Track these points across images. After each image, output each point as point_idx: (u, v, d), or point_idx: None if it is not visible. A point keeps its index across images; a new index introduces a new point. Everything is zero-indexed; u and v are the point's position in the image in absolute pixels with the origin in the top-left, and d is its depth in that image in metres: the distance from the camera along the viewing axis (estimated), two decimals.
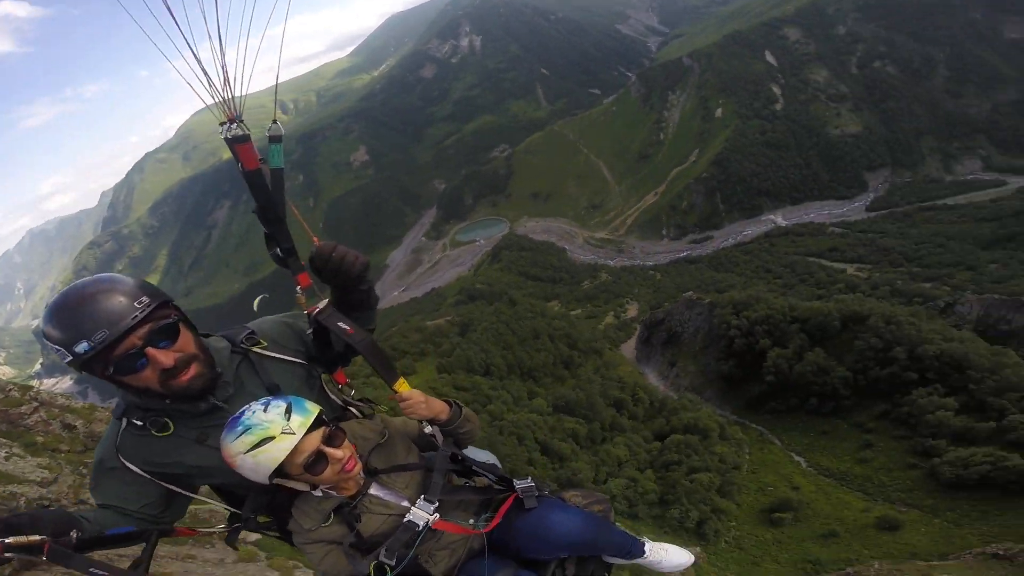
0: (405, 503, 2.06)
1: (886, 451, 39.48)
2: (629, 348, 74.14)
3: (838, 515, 35.84)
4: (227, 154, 1.87)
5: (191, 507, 2.45)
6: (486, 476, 2.35)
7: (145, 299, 1.75)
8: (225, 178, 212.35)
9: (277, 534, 2.30)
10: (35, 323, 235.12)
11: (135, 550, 1.96)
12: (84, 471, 6.47)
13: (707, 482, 38.33)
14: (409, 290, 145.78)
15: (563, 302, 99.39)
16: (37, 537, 1.50)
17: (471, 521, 2.20)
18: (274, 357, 2.17)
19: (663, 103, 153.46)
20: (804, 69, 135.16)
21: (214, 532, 2.34)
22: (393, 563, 1.94)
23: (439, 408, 2.20)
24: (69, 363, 1.70)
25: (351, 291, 2.17)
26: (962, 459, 34.29)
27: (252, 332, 2.18)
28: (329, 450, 1.87)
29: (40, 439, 7.01)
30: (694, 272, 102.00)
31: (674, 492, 37.97)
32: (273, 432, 1.75)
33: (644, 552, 2.56)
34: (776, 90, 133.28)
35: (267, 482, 1.83)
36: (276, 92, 2.11)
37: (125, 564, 1.94)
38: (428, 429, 2.24)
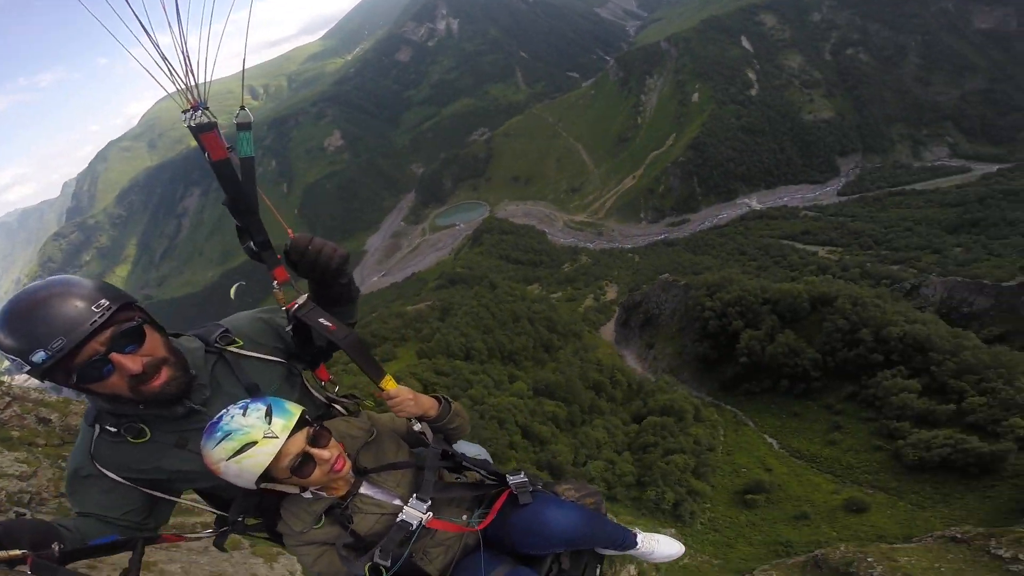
0: (398, 502, 2.03)
1: (854, 433, 40.01)
2: (609, 330, 74.48)
3: (808, 497, 36.35)
4: (195, 142, 1.75)
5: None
6: (478, 472, 2.32)
7: (104, 302, 1.63)
8: (194, 166, 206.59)
9: (266, 536, 2.21)
10: None
11: (117, 557, 1.86)
12: (63, 464, 6.39)
13: (682, 464, 38.63)
14: (389, 275, 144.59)
15: (544, 285, 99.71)
16: (18, 552, 1.42)
17: (464, 518, 2.18)
18: (252, 356, 2.06)
19: (641, 87, 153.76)
20: (779, 55, 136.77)
21: (201, 537, 2.21)
22: (388, 564, 1.90)
23: (428, 404, 2.16)
24: (29, 372, 1.58)
25: (330, 285, 2.04)
26: (924, 441, 34.63)
27: (226, 330, 2.07)
28: (315, 451, 1.82)
29: (16, 434, 6.90)
30: (672, 254, 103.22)
31: (650, 474, 38.23)
32: (255, 437, 1.69)
33: (636, 543, 2.60)
34: (752, 75, 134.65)
35: (254, 487, 1.78)
36: (243, 77, 1.96)
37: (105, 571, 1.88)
38: (417, 427, 2.20)
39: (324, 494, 1.94)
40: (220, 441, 1.69)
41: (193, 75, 1.63)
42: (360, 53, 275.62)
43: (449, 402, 2.25)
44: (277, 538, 2.09)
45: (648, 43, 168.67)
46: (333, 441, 1.91)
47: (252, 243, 1.93)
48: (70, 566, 1.58)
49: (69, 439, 7.29)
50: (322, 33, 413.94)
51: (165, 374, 1.76)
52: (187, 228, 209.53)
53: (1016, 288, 47.28)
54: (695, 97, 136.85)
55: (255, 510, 2.06)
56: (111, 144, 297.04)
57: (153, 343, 1.76)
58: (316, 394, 2.36)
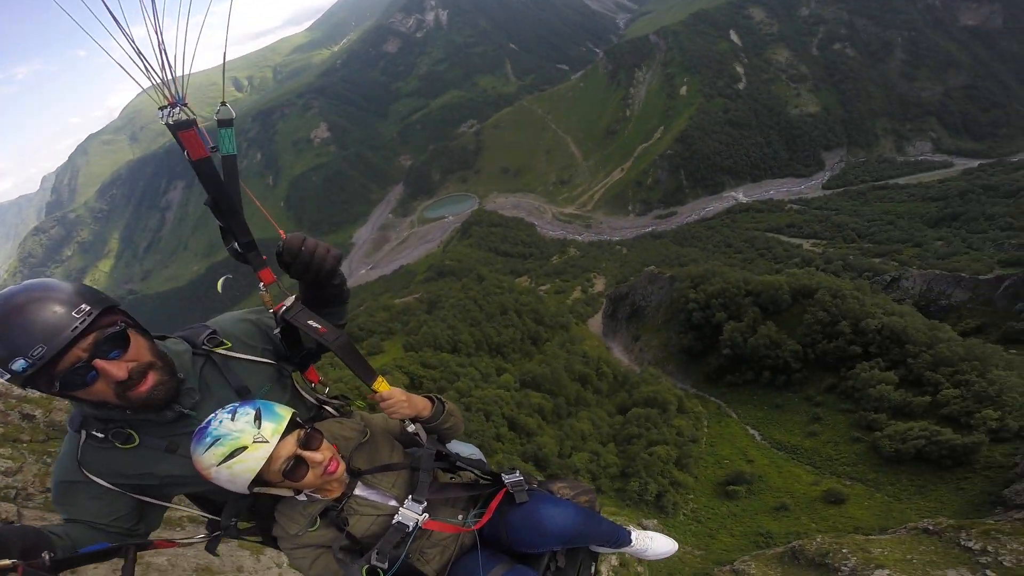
0: (393, 503, 2.01)
1: (833, 425, 40.10)
2: (596, 322, 74.65)
3: (789, 488, 36.46)
4: None
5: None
6: (473, 472, 2.32)
7: (85, 307, 1.57)
8: (177, 159, 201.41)
9: (260, 539, 2.18)
10: None
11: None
12: (48, 460, 6.43)
13: (665, 455, 38.76)
14: (377, 268, 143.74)
15: (533, 277, 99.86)
16: (8, 561, 1.40)
17: (460, 518, 2.19)
18: (241, 358, 2.02)
19: (630, 80, 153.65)
20: (767, 49, 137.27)
21: (194, 543, 2.19)
22: (385, 566, 1.89)
23: (421, 405, 2.13)
24: (9, 380, 1.54)
25: (323, 287, 2.00)
26: (900, 433, 34.57)
27: (214, 332, 2.01)
28: (307, 454, 1.80)
29: (0, 430, 6.95)
30: (659, 247, 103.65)
31: (634, 465, 38.41)
32: (245, 441, 1.67)
33: (631, 540, 2.63)
34: (739, 69, 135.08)
35: (247, 491, 1.75)
36: (224, 71, 1.88)
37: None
38: (411, 428, 2.16)
39: (318, 496, 1.93)
40: (210, 447, 1.67)
41: (170, 69, 1.56)
42: (347, 45, 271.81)
43: (443, 402, 2.24)
44: (272, 542, 2.07)
45: (637, 36, 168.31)
46: (325, 443, 1.89)
47: (236, 244, 1.88)
48: (61, 575, 1.56)
49: (54, 435, 7.30)
50: (308, 24, 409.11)
51: (152, 379, 1.71)
52: (171, 222, 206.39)
53: (993, 281, 48.03)
54: (683, 90, 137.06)
55: (249, 514, 2.07)
56: (91, 137, 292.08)
57: (138, 348, 1.71)
58: (306, 396, 2.33)
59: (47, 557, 1.51)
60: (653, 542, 2.73)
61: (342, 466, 1.92)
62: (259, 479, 1.72)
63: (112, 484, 1.81)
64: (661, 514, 34.98)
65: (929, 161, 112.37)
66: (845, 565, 9.35)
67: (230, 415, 1.72)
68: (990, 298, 47.23)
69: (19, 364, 1.46)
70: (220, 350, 1.98)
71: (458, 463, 2.24)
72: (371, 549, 1.92)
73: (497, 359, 55.54)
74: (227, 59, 1.94)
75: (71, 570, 1.75)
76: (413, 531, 1.97)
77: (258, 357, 2.06)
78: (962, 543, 8.86)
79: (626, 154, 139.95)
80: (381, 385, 2.05)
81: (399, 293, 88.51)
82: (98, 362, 1.59)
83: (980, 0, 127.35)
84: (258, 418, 1.72)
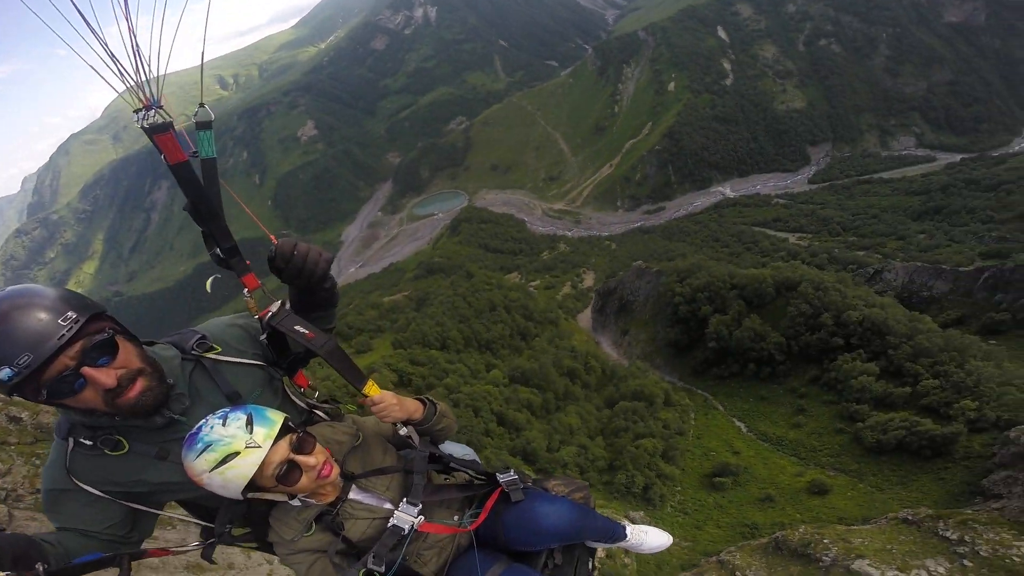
0: (388, 506, 2.00)
1: (817, 416, 40.49)
2: (586, 317, 74.93)
3: (774, 479, 36.82)
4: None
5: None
6: (467, 473, 2.31)
7: (71, 314, 1.53)
8: (161, 160, 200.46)
9: (256, 545, 2.15)
10: None
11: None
12: (37, 462, 6.46)
13: (651, 448, 39.03)
14: (366, 266, 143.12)
15: (523, 273, 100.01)
16: (2, 573, 1.38)
17: (456, 518, 2.17)
18: (231, 362, 1.99)
19: (618, 76, 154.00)
20: (754, 45, 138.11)
21: (189, 551, 2.15)
22: (382, 569, 1.88)
23: (413, 408, 2.12)
24: None
25: (314, 291, 1.98)
26: (881, 424, 35.03)
27: (203, 337, 1.97)
28: (300, 458, 1.78)
29: None
30: (647, 241, 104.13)
31: (621, 458, 38.61)
32: (236, 447, 1.64)
33: (626, 535, 2.64)
34: (727, 65, 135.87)
35: (241, 497, 1.73)
36: (202, 71, 1.86)
37: None
38: (403, 431, 2.13)
39: (313, 501, 1.91)
40: (201, 453, 1.64)
41: (145, 71, 1.49)
42: (334, 42, 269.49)
43: (435, 404, 2.22)
44: (268, 547, 2.05)
45: (626, 32, 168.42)
46: (318, 447, 1.87)
47: (218, 250, 1.85)
48: None
49: (41, 437, 7.28)
50: (294, 21, 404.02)
51: (140, 385, 1.68)
52: (156, 222, 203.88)
53: (973, 273, 48.69)
54: (671, 86, 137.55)
55: (243, 520, 2.02)
56: (73, 137, 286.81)
57: (126, 354, 1.68)
58: (297, 400, 2.29)
59: (41, 568, 1.48)
60: (648, 536, 2.75)
61: (336, 470, 1.90)
62: (252, 485, 1.71)
63: (103, 492, 1.78)
64: (648, 506, 35.15)
65: (912, 156, 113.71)
66: (826, 555, 9.46)
67: (221, 420, 1.69)
68: (970, 290, 47.95)
69: (5, 373, 1.43)
70: (210, 355, 1.95)
71: (452, 464, 2.23)
72: (367, 553, 1.91)
73: (486, 355, 55.55)
74: (211, 57, 1.87)
75: None
76: (409, 534, 1.96)
77: (249, 361, 2.04)
78: (940, 533, 8.97)
79: (615, 150, 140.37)
80: (372, 389, 2.03)
81: (388, 291, 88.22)
82: (86, 370, 1.56)
83: None
84: (250, 423, 1.70)
